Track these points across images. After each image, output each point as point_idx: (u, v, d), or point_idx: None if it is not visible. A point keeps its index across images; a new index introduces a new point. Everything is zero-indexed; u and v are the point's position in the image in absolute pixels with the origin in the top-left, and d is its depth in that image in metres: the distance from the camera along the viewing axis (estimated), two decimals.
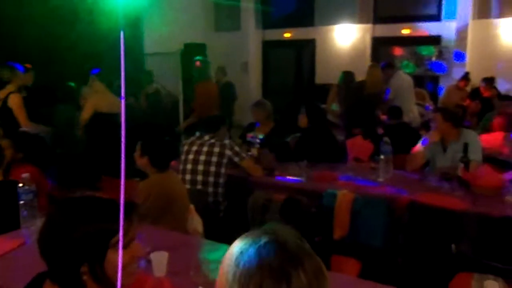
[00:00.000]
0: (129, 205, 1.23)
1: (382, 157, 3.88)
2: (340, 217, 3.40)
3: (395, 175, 3.90)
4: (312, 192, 3.59)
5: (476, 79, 8.28)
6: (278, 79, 11.84)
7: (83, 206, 1.37)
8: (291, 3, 11.40)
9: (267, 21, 11.69)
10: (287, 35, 11.41)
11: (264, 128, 4.75)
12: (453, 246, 3.03)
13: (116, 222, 1.03)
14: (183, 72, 9.60)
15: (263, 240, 0.98)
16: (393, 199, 3.40)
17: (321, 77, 10.92)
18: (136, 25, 10.04)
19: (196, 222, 3.11)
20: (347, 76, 6.73)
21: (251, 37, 11.64)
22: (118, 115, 5.46)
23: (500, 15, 8.96)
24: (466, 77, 8.12)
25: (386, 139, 3.91)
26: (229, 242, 2.63)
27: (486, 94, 7.31)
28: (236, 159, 3.91)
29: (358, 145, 4.24)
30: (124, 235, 1.32)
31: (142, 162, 3.01)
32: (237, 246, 1.00)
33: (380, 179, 3.83)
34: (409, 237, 3.24)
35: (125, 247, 1.35)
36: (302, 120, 4.55)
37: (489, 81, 7.83)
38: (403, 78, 6.57)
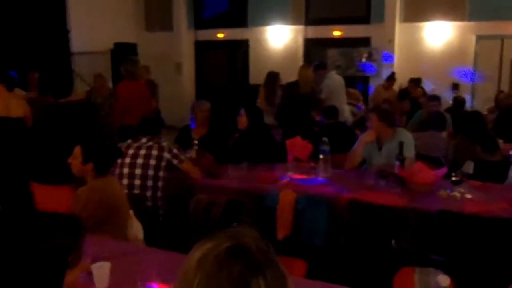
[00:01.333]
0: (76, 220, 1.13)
1: (321, 156, 3.93)
2: (283, 217, 3.41)
3: (334, 174, 3.96)
4: (254, 193, 3.57)
5: (404, 80, 8.67)
6: (211, 79, 11.76)
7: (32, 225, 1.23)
8: (224, 3, 11.37)
9: (200, 22, 11.59)
10: (220, 35, 11.37)
11: (201, 130, 4.67)
12: (393, 241, 3.11)
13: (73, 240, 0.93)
14: (114, 72, 9.30)
15: (225, 245, 0.94)
16: (334, 197, 3.44)
17: (255, 77, 10.95)
18: (61, 20, 9.56)
19: (136, 228, 2.98)
20: (270, 77, 6.80)
21: (184, 38, 11.50)
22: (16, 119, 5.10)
23: (425, 19, 9.44)
24: (392, 76, 8.48)
25: (325, 138, 3.96)
26: (170, 247, 2.54)
27: (413, 94, 7.65)
28: (175, 161, 3.81)
29: (298, 145, 4.26)
30: (78, 252, 1.21)
31: (84, 168, 2.82)
32: (198, 250, 0.96)
33: (320, 178, 3.87)
34: (351, 234, 3.29)
35: (76, 265, 1.24)
36: (242, 121, 4.51)
37: (416, 81, 8.23)
38: (334, 79, 6.72)
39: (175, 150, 3.85)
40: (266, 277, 0.91)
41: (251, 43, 11.14)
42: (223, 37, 11.36)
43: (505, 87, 9.08)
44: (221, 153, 4.33)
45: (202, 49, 11.75)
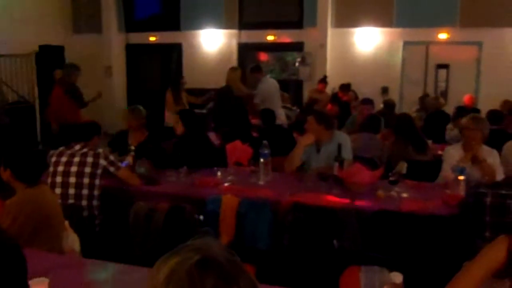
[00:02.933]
0: None
1: (261, 160, 3.93)
2: (226, 222, 3.36)
3: (274, 177, 3.97)
4: (195, 198, 3.50)
5: (336, 84, 8.92)
6: (144, 84, 11.49)
7: None
8: (156, 6, 11.16)
9: (131, 24, 11.30)
10: (152, 38, 11.16)
11: (138, 136, 4.53)
12: (335, 242, 3.16)
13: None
14: (39, 76, 8.84)
15: (194, 258, 0.91)
16: (276, 201, 3.44)
17: (189, 81, 10.82)
18: None
19: (72, 240, 2.83)
20: (176, 81, 7.21)
21: (114, 40, 11.16)
22: None
23: (355, 24, 9.79)
24: (324, 80, 8.71)
25: (265, 142, 3.96)
26: (108, 258, 2.42)
27: (344, 98, 7.89)
28: (111, 169, 3.66)
29: (238, 149, 4.24)
30: None
31: (4, 175, 2.65)
32: (165, 266, 0.92)
33: (261, 182, 3.87)
34: (294, 237, 3.31)
35: None
36: (179, 127, 4.43)
37: (345, 87, 8.49)
38: (269, 82, 6.80)
39: (111, 157, 3.70)
40: (240, 287, 0.90)
41: (184, 47, 11.02)
42: (156, 41, 11.15)
43: (430, 90, 9.61)
44: (160, 159, 4.22)
45: (134, 52, 11.46)
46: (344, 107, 7.63)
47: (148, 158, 4.13)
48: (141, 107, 4.73)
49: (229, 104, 6.42)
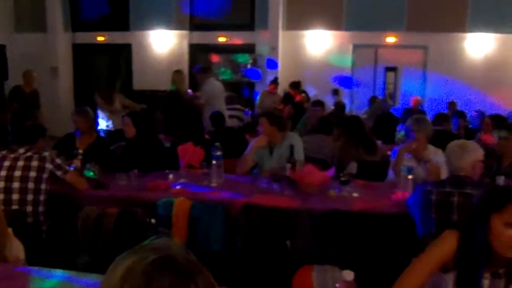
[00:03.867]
0: None
1: (213, 162, 3.91)
2: (178, 225, 3.31)
3: (227, 179, 3.96)
4: (146, 202, 3.43)
5: (288, 86, 9.00)
6: (92, 85, 11.16)
7: None
8: (103, 5, 10.89)
9: (78, 23, 10.97)
10: (100, 38, 10.88)
11: (86, 138, 4.40)
12: (288, 242, 3.18)
13: None
14: None
15: (151, 257, 0.90)
16: (228, 203, 3.43)
17: (139, 83, 10.68)
18: None
19: (16, 248, 2.69)
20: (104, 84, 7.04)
21: (60, 40, 10.81)
22: None
23: (306, 27, 9.93)
24: (275, 81, 8.78)
25: (217, 144, 3.94)
26: (55, 265, 2.34)
27: (297, 98, 7.97)
28: (58, 173, 3.52)
29: (190, 151, 4.19)
30: None
31: None
32: (120, 266, 0.91)
33: (214, 184, 3.85)
34: (247, 238, 3.30)
35: None
36: (128, 130, 4.34)
37: (295, 85, 8.57)
38: (215, 84, 6.83)
39: (58, 161, 3.56)
40: (198, 285, 0.90)
41: (134, 48, 10.81)
42: (104, 41, 10.88)
43: (379, 92, 9.89)
44: (109, 162, 4.11)
45: (81, 52, 11.13)
46: (298, 108, 7.70)
47: (97, 162, 4.01)
48: (88, 109, 4.60)
49: (179, 106, 6.38)
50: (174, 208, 3.34)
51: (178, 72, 6.82)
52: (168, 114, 6.58)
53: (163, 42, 10.51)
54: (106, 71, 11.15)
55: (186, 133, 5.46)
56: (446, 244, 1.91)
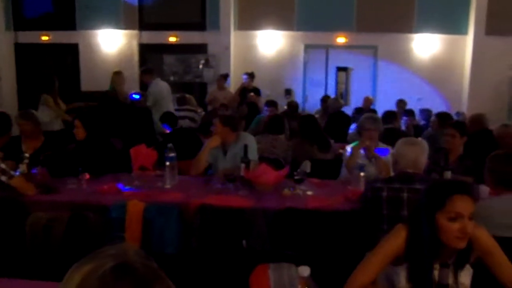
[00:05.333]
0: None
1: (167, 163, 3.85)
2: (132, 228, 3.25)
3: (181, 181, 3.92)
4: (98, 206, 3.34)
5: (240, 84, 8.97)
6: (37, 86, 10.73)
7: None
8: (48, 4, 10.51)
9: (20, 22, 10.53)
10: (45, 38, 10.49)
11: (33, 142, 4.23)
12: (243, 242, 3.18)
13: None
14: None
15: (109, 265, 0.88)
16: (183, 204, 3.39)
17: (87, 84, 10.37)
18: None
19: None
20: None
21: (0, 39, 10.32)
22: None
23: (258, 27, 9.97)
24: (223, 76, 8.70)
25: (170, 145, 3.89)
26: (2, 274, 2.23)
27: (250, 99, 7.96)
28: (3, 178, 3.37)
29: (142, 153, 4.11)
30: None
31: None
32: (77, 273, 0.88)
33: (168, 186, 3.80)
34: (202, 239, 3.28)
35: None
36: (78, 132, 4.21)
37: (251, 75, 8.55)
38: (161, 85, 6.79)
39: (2, 165, 3.40)
40: None
41: (81, 48, 10.50)
42: (49, 40, 10.49)
43: (331, 92, 10.07)
44: (58, 166, 3.97)
45: (24, 52, 10.69)
46: (251, 108, 7.70)
47: (45, 166, 3.87)
48: (34, 111, 4.43)
49: (114, 108, 6.29)
50: (127, 211, 3.27)
51: (117, 74, 6.75)
52: (103, 114, 6.47)
53: (111, 42, 10.26)
54: (51, 72, 10.75)
55: (130, 134, 5.38)
56: (397, 238, 1.99)
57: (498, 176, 2.87)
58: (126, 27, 10.18)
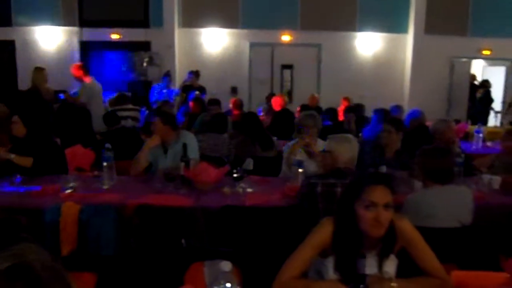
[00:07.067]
0: None
1: (104, 164, 3.77)
2: (67, 231, 3.16)
3: (119, 181, 3.85)
4: (31, 209, 3.22)
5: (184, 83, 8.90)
6: None
7: None
8: None
9: None
10: None
11: None
12: (183, 240, 3.16)
13: None
14: None
15: (5, 265, 0.88)
16: (120, 205, 3.34)
17: (25, 82, 9.94)
18: None
19: None
20: None
21: None
22: None
23: (202, 25, 9.92)
24: (167, 74, 8.62)
25: (107, 145, 3.80)
26: None
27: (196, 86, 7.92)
28: None
29: (79, 154, 4.00)
30: None
31: None
32: None
33: (105, 187, 3.72)
34: (141, 239, 3.24)
35: None
36: (17, 129, 4.03)
37: (196, 73, 8.52)
38: (93, 84, 6.70)
39: None
40: None
41: (17, 45, 10.10)
42: None
43: (276, 89, 10.16)
44: None
45: None
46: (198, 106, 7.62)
47: None
48: None
49: (37, 106, 6.12)
50: (61, 213, 3.18)
51: (38, 70, 6.58)
52: (24, 112, 6.27)
53: (50, 39, 9.92)
54: None
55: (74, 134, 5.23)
56: (324, 231, 2.05)
57: (426, 170, 3.00)
58: (65, 23, 9.87)
